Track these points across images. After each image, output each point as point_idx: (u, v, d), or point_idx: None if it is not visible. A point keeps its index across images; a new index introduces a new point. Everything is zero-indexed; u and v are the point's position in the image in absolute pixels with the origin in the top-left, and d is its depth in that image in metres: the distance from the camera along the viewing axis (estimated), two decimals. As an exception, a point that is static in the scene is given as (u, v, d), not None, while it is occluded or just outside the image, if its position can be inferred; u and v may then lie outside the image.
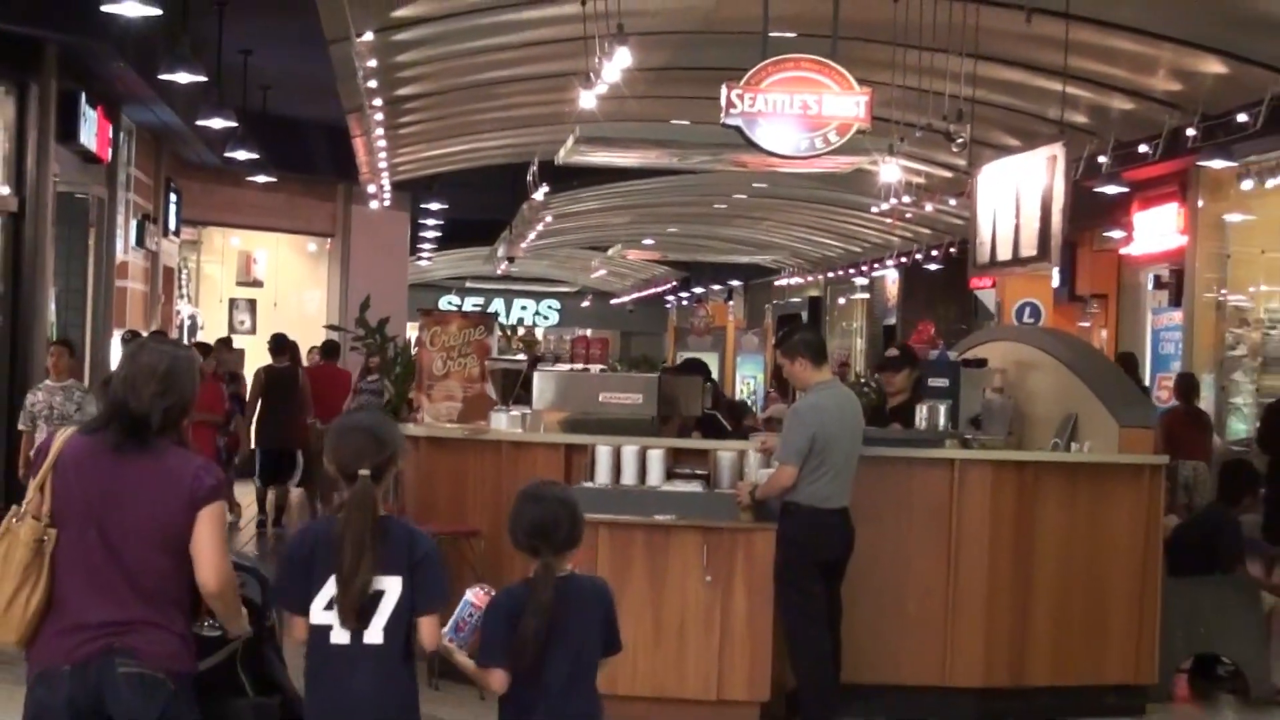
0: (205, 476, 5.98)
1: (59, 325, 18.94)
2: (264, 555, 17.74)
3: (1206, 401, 21.15)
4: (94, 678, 5.80)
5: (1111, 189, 22.29)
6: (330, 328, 24.64)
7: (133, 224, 24.26)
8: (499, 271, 50.08)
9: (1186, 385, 18.36)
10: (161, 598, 5.93)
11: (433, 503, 11.88)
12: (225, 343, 23.66)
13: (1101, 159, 21.06)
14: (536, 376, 13.11)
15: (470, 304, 50.29)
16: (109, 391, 6.09)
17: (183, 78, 18.92)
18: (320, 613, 6.17)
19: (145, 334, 18.67)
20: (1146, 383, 20.76)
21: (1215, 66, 18.48)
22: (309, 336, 25.27)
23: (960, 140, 18.79)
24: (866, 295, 41.32)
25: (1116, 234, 25.09)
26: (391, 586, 6.16)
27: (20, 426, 15.12)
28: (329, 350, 22.86)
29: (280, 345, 21.44)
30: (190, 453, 6.22)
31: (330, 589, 6.16)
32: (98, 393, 6.15)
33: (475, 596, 6.43)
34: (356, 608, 6.10)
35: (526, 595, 6.39)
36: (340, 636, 6.15)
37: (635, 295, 60.60)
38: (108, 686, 5.81)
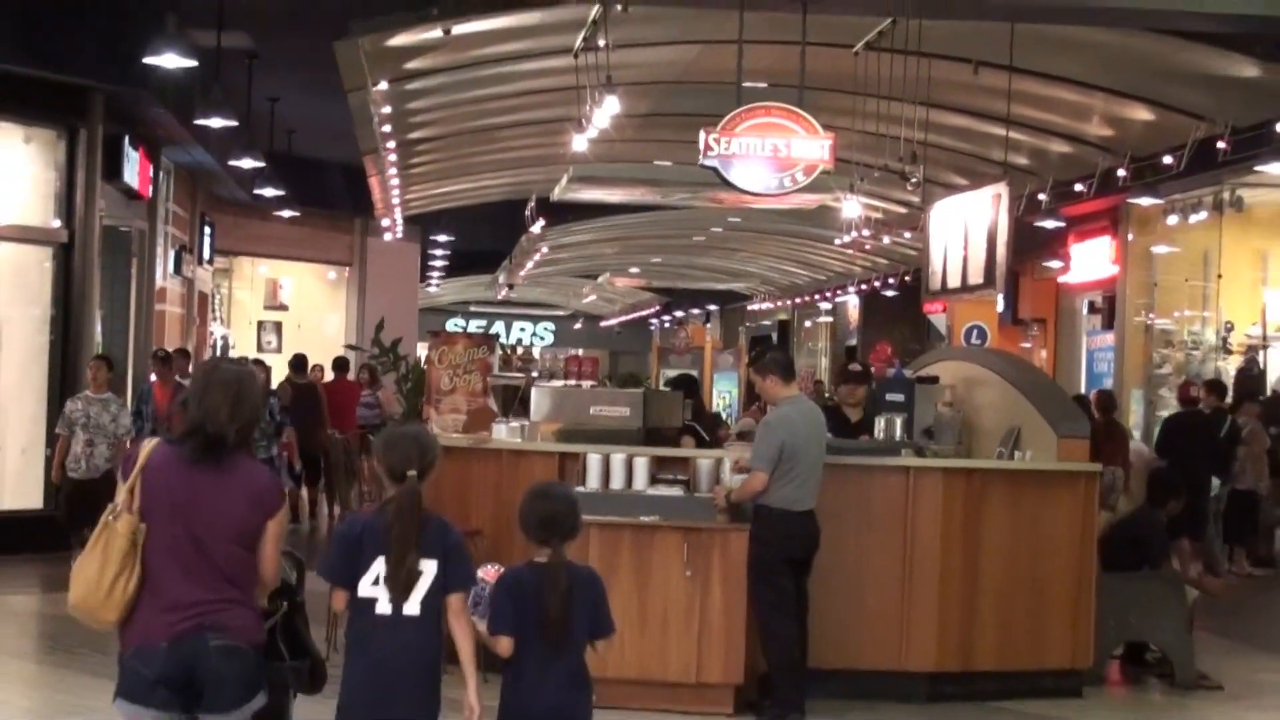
0: (275, 489, 6.40)
1: (104, 344, 18.93)
2: (294, 546, 17.67)
3: (1136, 415, 21.23)
4: (188, 650, 6.05)
5: (1050, 223, 22.33)
6: (349, 347, 24.72)
7: (171, 254, 24.24)
8: (500, 297, 49.93)
9: (1104, 400, 18.39)
10: (240, 581, 6.22)
11: (440, 505, 11.79)
12: (257, 364, 23.67)
13: (1041, 196, 21.13)
14: (534, 391, 13.13)
15: (474, 326, 50.18)
16: (187, 412, 6.29)
17: (216, 123, 18.97)
18: (368, 588, 6.54)
19: (172, 351, 18.56)
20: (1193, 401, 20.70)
21: (1143, 114, 18.54)
22: (329, 356, 25.28)
23: (914, 180, 18.82)
24: (830, 319, 41.31)
25: (1055, 264, 25.12)
26: (429, 568, 6.55)
27: (57, 430, 15.14)
28: (339, 365, 22.93)
29: (301, 364, 21.52)
30: (257, 464, 6.59)
31: (377, 568, 6.54)
32: (176, 411, 6.34)
33: (485, 573, 6.84)
34: (404, 585, 6.50)
35: (530, 575, 6.77)
36: (384, 608, 6.51)
37: (622, 318, 60.52)
38: (200, 657, 6.06)
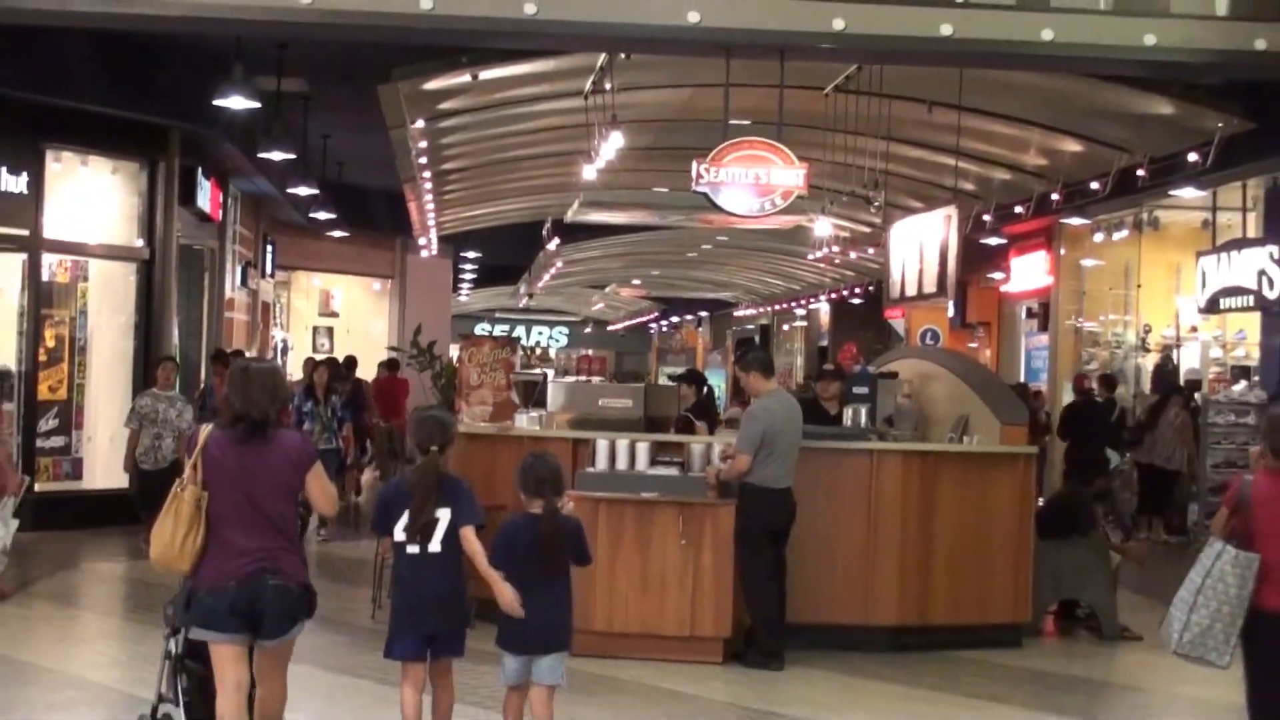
0: (306, 449, 7.07)
1: (180, 348, 18.94)
2: (345, 522, 17.70)
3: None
4: (252, 588, 6.72)
5: (993, 241, 22.30)
6: (391, 349, 24.69)
7: (238, 269, 24.25)
8: (520, 304, 49.98)
9: (1022, 392, 18.41)
10: (289, 532, 6.98)
11: (470, 482, 11.91)
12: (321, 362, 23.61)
13: (986, 217, 21.10)
14: (550, 386, 13.13)
15: (498, 330, 50.13)
16: (230, 404, 6.90)
17: (276, 156, 18.99)
18: (400, 533, 7.33)
19: (229, 352, 18.54)
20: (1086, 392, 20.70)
21: (1073, 146, 18.54)
22: (374, 355, 25.37)
23: (876, 203, 18.89)
24: (805, 323, 41.24)
25: (998, 275, 25.10)
26: (444, 515, 7.32)
27: (127, 425, 15.08)
28: (391, 365, 22.93)
29: (351, 364, 21.54)
30: (289, 433, 7.18)
31: (404, 519, 7.33)
32: (222, 404, 6.84)
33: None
34: (420, 531, 7.29)
35: (525, 523, 7.44)
36: (413, 548, 7.31)
37: (626, 323, 60.52)
38: (261, 593, 6.74)
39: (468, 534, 7.31)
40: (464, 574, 7.35)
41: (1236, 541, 6.91)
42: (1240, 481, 7.17)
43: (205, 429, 6.98)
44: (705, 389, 15.97)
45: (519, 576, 7.30)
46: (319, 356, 23.68)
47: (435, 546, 7.29)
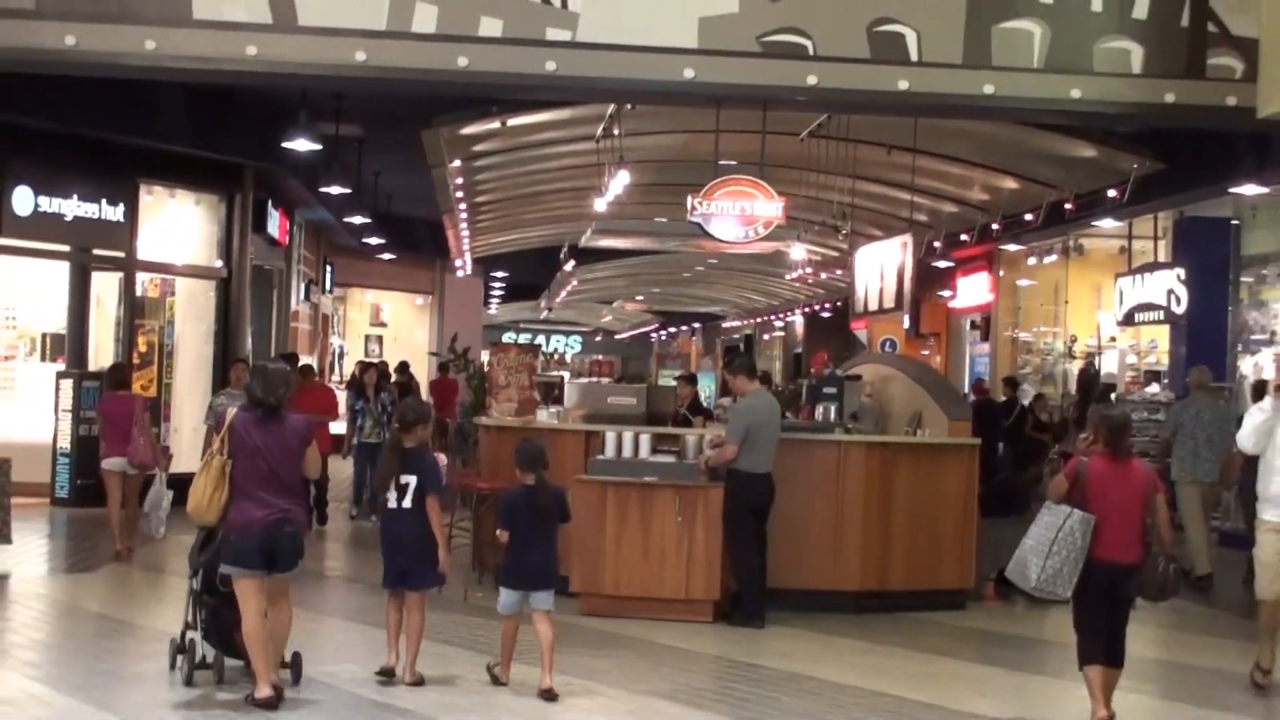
0: (306, 426, 7.86)
1: (253, 352, 18.96)
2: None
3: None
4: (272, 532, 7.52)
5: (942, 263, 22.32)
6: (433, 354, 24.72)
7: (302, 286, 24.28)
8: (541, 317, 49.97)
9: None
10: (297, 490, 7.82)
11: (498, 469, 11.91)
12: (370, 365, 23.46)
13: (936, 244, 21.13)
14: (566, 386, 13.15)
15: (523, 338, 50.19)
16: (250, 391, 7.76)
17: (335, 190, 19.06)
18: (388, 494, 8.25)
19: (287, 355, 18.48)
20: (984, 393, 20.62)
21: (1010, 184, 18.56)
22: (417, 360, 25.44)
23: (843, 232, 18.91)
24: (782, 333, 41.29)
25: (946, 293, 25.12)
26: (412, 481, 8.15)
27: (205, 422, 14.90)
28: (444, 368, 22.82)
29: (404, 367, 21.55)
30: (294, 415, 7.90)
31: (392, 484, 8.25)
32: (244, 390, 8.01)
33: None
34: (387, 488, 8.22)
35: (522, 493, 8.27)
36: (393, 503, 8.20)
37: (631, 333, 60.52)
38: (279, 538, 7.55)
39: (432, 502, 8.20)
40: (429, 526, 8.17)
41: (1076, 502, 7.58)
42: (1078, 462, 7.69)
43: (231, 411, 7.82)
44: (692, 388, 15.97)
45: (519, 533, 8.16)
46: (370, 360, 23.68)
47: (407, 503, 8.16)
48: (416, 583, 8.20)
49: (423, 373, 26.28)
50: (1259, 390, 16.11)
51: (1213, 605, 12.24)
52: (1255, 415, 8.11)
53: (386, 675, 8.12)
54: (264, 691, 7.33)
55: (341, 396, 18.37)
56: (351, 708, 7.63)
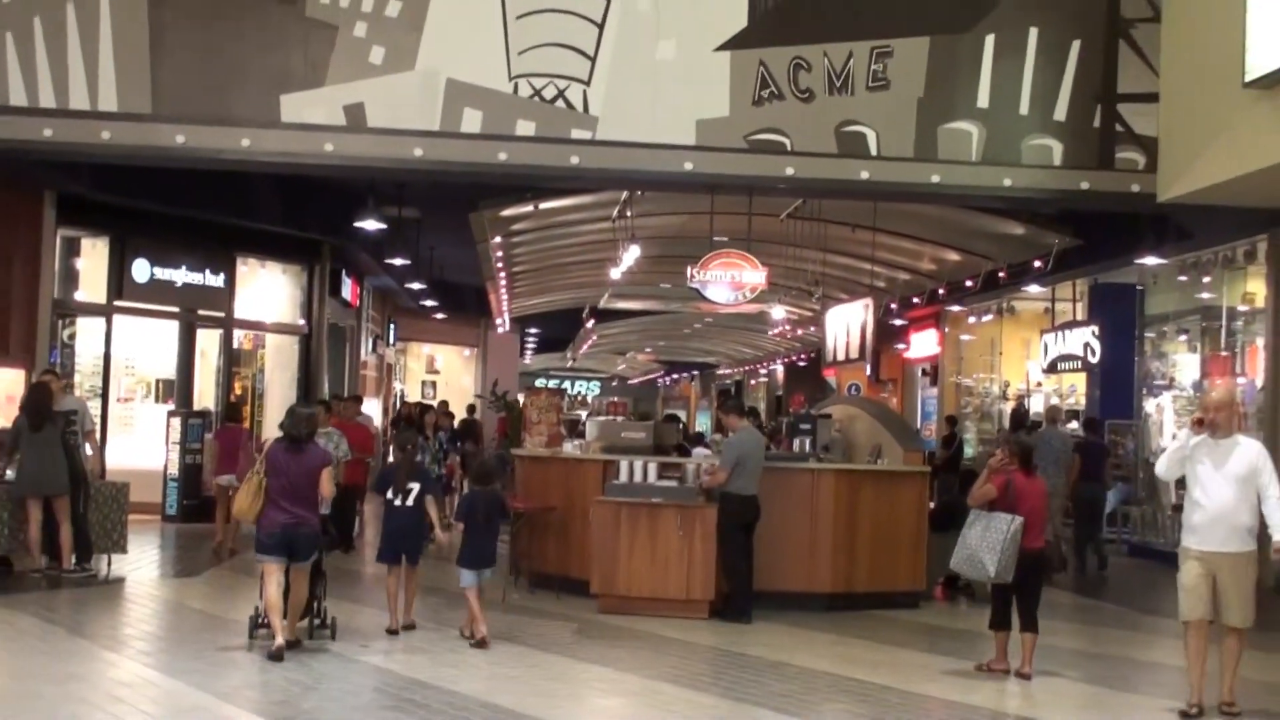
0: (324, 456, 8.53)
1: (329, 396, 18.97)
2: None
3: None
4: (290, 531, 8.24)
5: (898, 321, 22.33)
6: (478, 396, 24.66)
7: (370, 340, 24.34)
8: (568, 365, 49.95)
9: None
10: (313, 503, 8.38)
11: (530, 492, 11.92)
12: (428, 408, 23.01)
13: (893, 305, 21.12)
14: (588, 423, 13.12)
15: (552, 383, 50.15)
16: (284, 427, 8.43)
17: (397, 261, 19.12)
18: (390, 494, 9.20)
19: (345, 397, 18.30)
20: (931, 430, 20.50)
21: (953, 256, 18.58)
22: (465, 401, 25.35)
23: (816, 295, 18.91)
24: (766, 379, 41.18)
25: (901, 346, 25.08)
26: (415, 487, 9.20)
27: None
28: (509, 408, 22.35)
29: (471, 409, 21.31)
30: (317, 445, 8.57)
31: (393, 488, 9.20)
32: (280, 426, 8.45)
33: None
34: (403, 492, 9.17)
35: (477, 496, 9.09)
36: (396, 502, 9.18)
37: (641, 378, 60.35)
38: (295, 535, 8.26)
39: (429, 501, 9.22)
40: (425, 522, 9.19)
41: (1001, 510, 8.38)
42: (1007, 477, 8.45)
43: (269, 442, 8.70)
44: (682, 426, 15.99)
45: (475, 525, 8.91)
46: (428, 402, 23.62)
47: (409, 503, 9.16)
48: (413, 559, 9.29)
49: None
50: (1016, 417, 16.15)
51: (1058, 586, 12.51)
52: (1171, 446, 7.74)
53: (391, 634, 9.01)
54: (278, 643, 8.04)
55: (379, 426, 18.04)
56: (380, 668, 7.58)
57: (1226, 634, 7.46)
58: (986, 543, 8.32)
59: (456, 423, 19.49)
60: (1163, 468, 7.70)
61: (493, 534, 9.05)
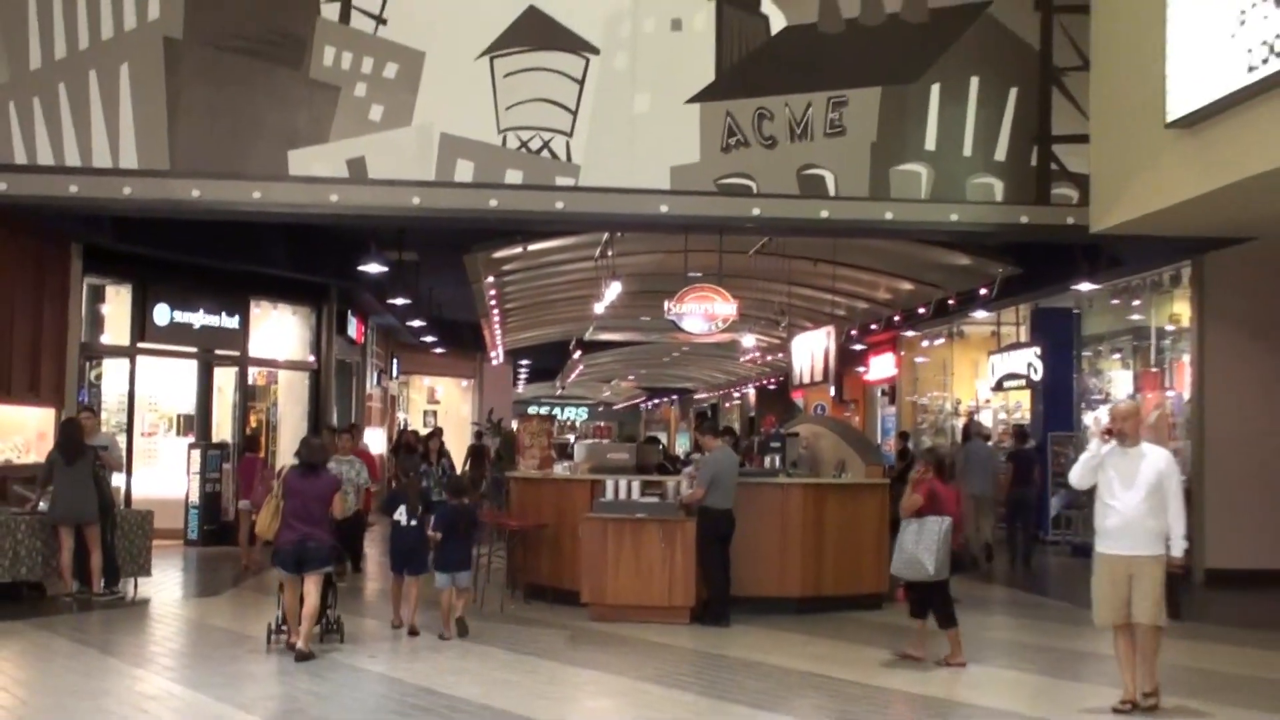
0: (335, 481, 8.90)
1: (323, 427, 18.86)
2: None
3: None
4: (301, 546, 8.54)
5: (858, 346, 22.42)
6: (475, 423, 24.60)
7: (374, 374, 24.24)
8: (557, 393, 49.86)
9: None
10: (324, 522, 8.68)
11: (524, 510, 11.88)
12: (434, 433, 22.56)
13: (853, 332, 21.21)
14: (576, 445, 13.08)
15: (543, 410, 49.99)
16: (299, 454, 8.82)
17: (399, 301, 19.07)
18: (398, 514, 9.53)
19: (349, 427, 18.29)
20: (890, 445, 20.49)
21: (907, 285, 18.68)
22: (463, 429, 25.32)
23: (782, 325, 18.96)
24: (739, 401, 41.23)
25: (862, 369, 25.17)
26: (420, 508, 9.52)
27: None
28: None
29: (479, 435, 21.10)
30: (328, 471, 8.97)
31: (402, 508, 9.50)
32: (299, 454, 8.85)
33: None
34: (415, 513, 9.47)
35: (450, 509, 9.48)
36: (403, 521, 9.50)
37: (625, 403, 60.34)
38: (305, 550, 8.54)
39: (430, 520, 9.46)
40: (426, 538, 9.45)
41: (929, 514, 8.59)
42: (931, 486, 8.62)
43: (284, 467, 9.02)
44: (663, 447, 15.97)
45: (448, 535, 9.29)
46: (431, 431, 23.53)
47: (413, 521, 9.49)
48: (415, 570, 9.50)
49: (463, 437, 26.18)
50: (967, 432, 16.18)
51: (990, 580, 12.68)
52: (1083, 455, 7.50)
53: (395, 628, 9.46)
54: (301, 648, 8.32)
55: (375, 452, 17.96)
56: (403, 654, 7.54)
57: (1142, 631, 7.22)
58: (923, 545, 8.57)
59: (465, 449, 19.49)
60: (1075, 476, 7.48)
61: (462, 542, 9.43)
